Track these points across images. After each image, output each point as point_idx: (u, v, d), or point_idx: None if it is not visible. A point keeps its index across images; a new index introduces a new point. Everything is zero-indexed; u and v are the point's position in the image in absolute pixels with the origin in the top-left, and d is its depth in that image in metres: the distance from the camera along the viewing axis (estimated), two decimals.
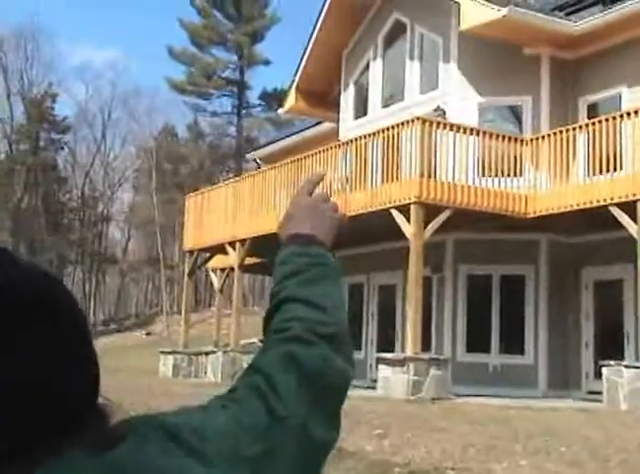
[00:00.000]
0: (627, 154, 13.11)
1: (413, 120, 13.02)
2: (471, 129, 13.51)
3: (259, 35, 51.68)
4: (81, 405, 0.89)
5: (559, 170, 13.64)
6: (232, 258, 17.64)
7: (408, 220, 12.75)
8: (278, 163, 18.56)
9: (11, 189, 52.01)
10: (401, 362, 12.14)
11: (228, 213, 17.84)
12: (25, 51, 54.58)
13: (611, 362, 11.53)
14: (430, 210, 12.67)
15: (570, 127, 13.99)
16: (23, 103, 54.75)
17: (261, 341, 1.10)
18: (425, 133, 12.77)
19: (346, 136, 18.53)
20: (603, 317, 15.17)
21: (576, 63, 15.52)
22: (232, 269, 18.23)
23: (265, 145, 25.43)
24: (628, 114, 13.03)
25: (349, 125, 18.89)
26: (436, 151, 12.96)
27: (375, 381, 13.22)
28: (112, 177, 57.69)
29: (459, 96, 15.88)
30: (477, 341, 15.36)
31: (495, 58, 15.73)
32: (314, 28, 19.08)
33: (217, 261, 19.97)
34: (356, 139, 14.73)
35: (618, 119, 12.77)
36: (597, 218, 13.34)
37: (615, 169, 13.29)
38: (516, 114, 15.76)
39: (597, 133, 13.28)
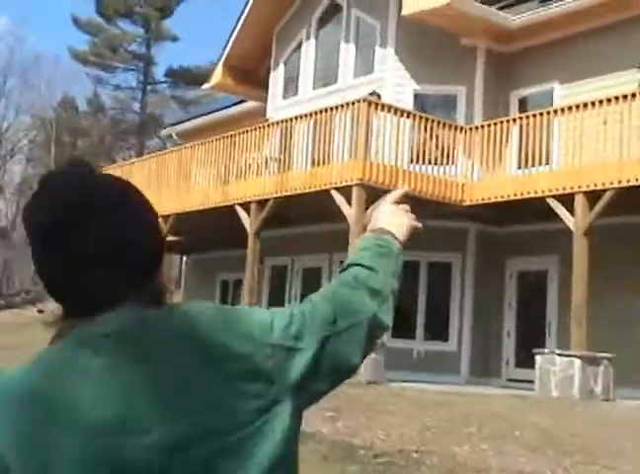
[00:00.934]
0: (558, 148, 13.42)
1: (358, 101, 12.89)
2: (413, 114, 13.49)
3: (167, 9, 50.48)
4: (152, 266, 1.21)
5: (495, 160, 13.80)
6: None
7: (349, 202, 12.64)
8: (204, 139, 18.15)
9: None
10: None
11: (152, 190, 17.29)
12: None
13: (545, 350, 11.76)
14: (371, 193, 12.59)
15: (504, 119, 14.19)
16: None
17: None
18: (369, 115, 12.66)
19: (273, 116, 18.30)
20: (527, 307, 15.51)
21: (511, 57, 15.75)
22: None
23: (183, 121, 24.80)
24: (562, 110, 13.31)
25: (277, 105, 18.63)
26: (377, 134, 12.88)
27: None
28: (4, 147, 55.25)
29: (395, 82, 15.87)
30: (403, 327, 15.42)
31: (432, 46, 15.78)
32: (246, 3, 18.69)
33: None
34: (294, 118, 14.49)
35: (552, 115, 13.01)
36: (531, 210, 13.60)
37: (547, 162, 13.59)
38: (450, 103, 15.85)
39: (529, 127, 13.50)
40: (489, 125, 14.15)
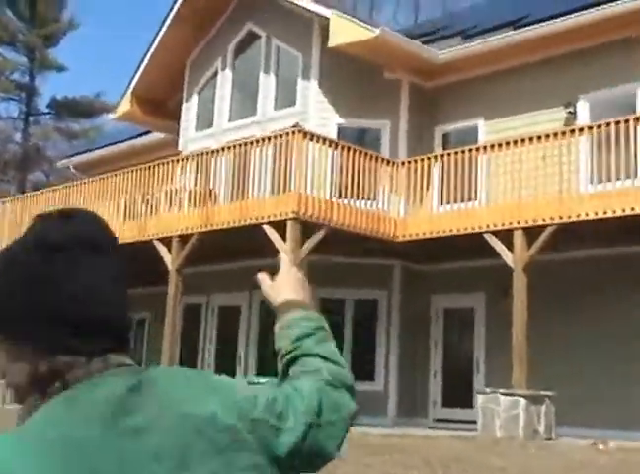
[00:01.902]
0: (488, 185, 13.36)
1: (293, 132, 12.42)
2: (347, 147, 13.10)
3: (53, 38, 48.82)
4: (127, 327, 1.31)
5: (423, 195, 13.59)
6: None
7: (283, 237, 12.08)
8: (104, 172, 17.36)
9: None
10: None
11: None
12: None
13: (487, 390, 11.48)
14: (306, 228, 12.10)
15: (438, 154, 14.07)
16: None
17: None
18: (303, 146, 12.20)
19: (186, 148, 17.63)
20: (453, 345, 15.29)
21: (435, 92, 15.69)
22: None
23: (80, 153, 23.66)
24: (484, 147, 13.29)
25: (190, 137, 17.93)
26: (312, 166, 12.43)
27: None
28: None
29: (319, 115, 15.50)
30: None
31: (356, 80, 15.54)
32: (158, 32, 17.98)
33: None
34: (220, 150, 13.87)
35: (488, 150, 12.95)
36: (461, 246, 13.42)
37: (476, 198, 13.50)
38: (375, 137, 15.60)
39: (463, 162, 13.39)
40: (422, 160, 13.95)
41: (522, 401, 11.02)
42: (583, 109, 13.79)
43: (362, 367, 15.01)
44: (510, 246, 11.99)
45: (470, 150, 13.44)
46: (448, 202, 13.55)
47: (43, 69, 48.88)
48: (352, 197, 13.16)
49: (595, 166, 12.13)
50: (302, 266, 12.16)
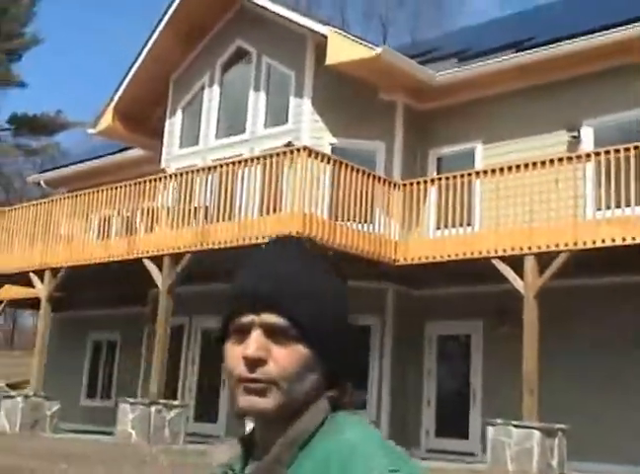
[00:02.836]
0: (482, 210, 13.11)
1: (299, 150, 11.98)
2: (351, 166, 12.69)
3: (14, 54, 47.79)
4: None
5: (426, 219, 13.24)
6: (38, 289, 15.30)
7: None
8: (78, 188, 16.83)
9: None
10: None
11: (37, 240, 15.54)
12: None
13: (498, 421, 11.06)
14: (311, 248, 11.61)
15: (436, 177, 13.74)
16: None
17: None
18: (311, 164, 11.76)
19: (169, 165, 17.09)
20: (448, 373, 14.89)
21: (430, 114, 15.38)
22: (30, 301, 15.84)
23: (52, 169, 22.91)
24: (485, 172, 13.02)
25: (174, 154, 17.37)
26: (312, 185, 11.98)
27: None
28: None
29: (311, 134, 15.07)
30: None
31: (350, 99, 15.17)
32: (144, 46, 17.45)
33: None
34: (231, 163, 13.35)
35: (497, 173, 12.62)
36: (462, 271, 13.07)
37: (470, 224, 13.22)
38: (369, 158, 15.22)
39: (456, 187, 13.09)
40: (419, 183, 13.61)
41: (537, 433, 10.62)
42: (587, 134, 13.60)
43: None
44: (518, 272, 11.65)
45: (470, 174, 13.17)
46: (446, 227, 13.23)
47: (4, 85, 47.80)
48: (352, 218, 12.75)
49: (603, 192, 11.87)
50: None
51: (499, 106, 14.52)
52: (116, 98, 17.83)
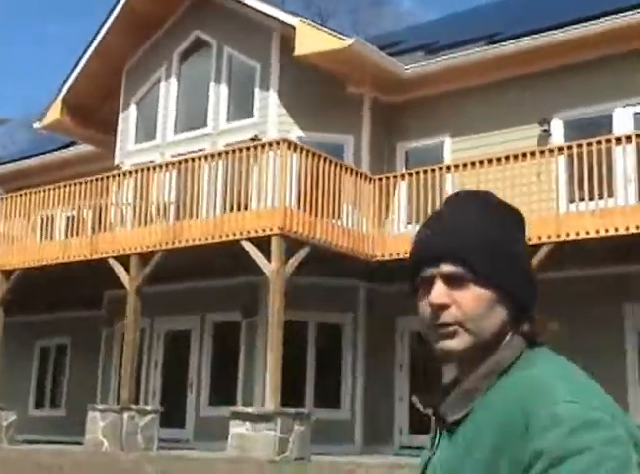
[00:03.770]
0: None
1: (277, 142, 11.58)
2: (329, 160, 12.35)
3: None
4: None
5: (414, 212, 13.02)
6: None
7: (266, 255, 11.19)
8: (24, 185, 16.15)
9: None
10: (267, 417, 10.44)
11: None
12: None
13: None
14: (291, 245, 11.27)
15: (413, 170, 13.52)
16: None
17: None
18: (290, 158, 11.39)
19: (124, 161, 16.48)
20: (420, 369, 14.69)
21: (399, 107, 15.17)
22: None
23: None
24: (457, 166, 12.89)
25: (128, 149, 16.73)
26: (296, 179, 11.62)
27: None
28: None
29: (278, 128, 14.67)
30: (291, 393, 13.99)
31: (318, 92, 14.84)
32: (94, 37, 16.75)
33: None
34: (195, 159, 12.84)
35: (479, 166, 12.47)
36: None
37: None
38: (337, 152, 14.90)
39: (427, 181, 12.93)
40: (402, 176, 13.37)
41: None
42: (557, 127, 13.57)
43: (327, 394, 14.22)
44: None
45: (441, 168, 13.02)
46: (417, 222, 13.02)
47: None
48: (332, 214, 12.42)
49: (575, 185, 11.87)
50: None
51: (468, 99, 14.39)
52: (64, 91, 17.08)
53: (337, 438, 13.69)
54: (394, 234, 13.31)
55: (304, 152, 11.73)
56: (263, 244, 11.19)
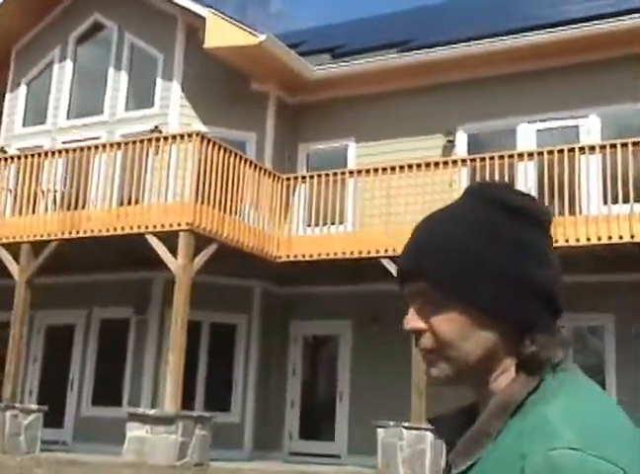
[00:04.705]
0: (349, 208, 13.02)
1: (190, 135, 11.16)
2: (245, 158, 12.02)
3: None
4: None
5: (314, 215, 12.86)
6: None
7: (171, 251, 10.76)
8: None
9: None
10: (168, 420, 9.98)
11: None
12: None
13: (390, 423, 10.85)
14: (199, 241, 10.89)
15: (315, 173, 13.38)
16: None
17: None
18: (203, 151, 11.00)
19: (9, 144, 15.58)
20: (314, 374, 14.57)
21: (303, 108, 15.01)
22: None
23: None
24: (359, 171, 12.91)
25: (15, 133, 15.79)
26: (209, 175, 11.23)
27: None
28: None
29: (180, 121, 14.22)
30: (182, 395, 13.53)
31: (223, 86, 14.48)
32: None
33: None
34: (93, 147, 12.19)
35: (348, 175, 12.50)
36: (336, 270, 12.83)
37: (342, 222, 13.03)
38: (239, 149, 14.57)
39: (328, 184, 12.88)
40: (311, 177, 13.21)
41: (429, 435, 10.52)
42: (461, 139, 13.78)
43: (219, 397, 13.85)
44: None
45: (343, 173, 13.01)
46: (325, 224, 12.92)
47: None
48: (239, 212, 12.11)
49: None
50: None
51: (375, 105, 14.40)
52: None
53: (226, 443, 13.33)
54: (293, 236, 13.13)
55: (217, 147, 11.35)
56: (168, 239, 10.75)
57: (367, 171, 12.69)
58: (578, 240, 10.95)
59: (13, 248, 11.90)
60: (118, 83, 15.01)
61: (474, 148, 13.48)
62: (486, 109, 13.56)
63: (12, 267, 11.81)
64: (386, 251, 11.65)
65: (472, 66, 13.60)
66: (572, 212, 11.35)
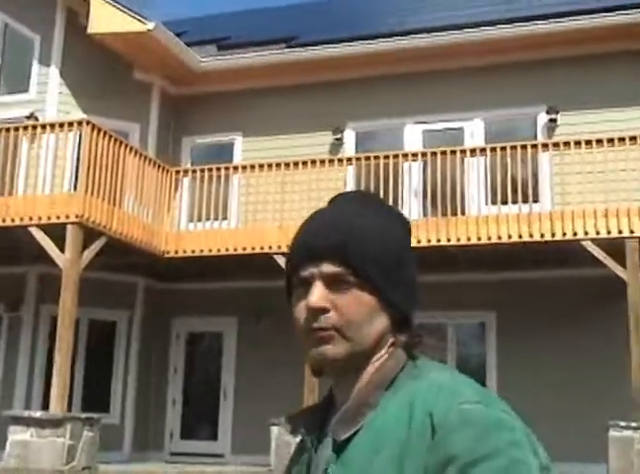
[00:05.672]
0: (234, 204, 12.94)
1: (80, 123, 10.62)
2: (135, 150, 11.56)
3: None
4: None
5: (197, 210, 12.56)
6: None
7: (58, 244, 10.22)
8: None
9: None
10: (56, 423, 9.45)
11: None
12: None
13: (283, 420, 10.73)
14: (87, 235, 10.40)
15: (209, 167, 13.08)
16: None
17: None
18: (94, 140, 10.50)
19: None
20: (197, 372, 14.25)
21: (188, 101, 14.64)
22: None
23: None
24: (244, 167, 12.77)
25: None
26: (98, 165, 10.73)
27: None
28: None
29: (58, 108, 13.56)
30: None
31: (105, 74, 13.91)
32: None
33: None
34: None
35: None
36: (225, 266, 12.63)
37: (225, 217, 12.87)
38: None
39: (213, 178, 12.68)
40: (202, 171, 12.89)
41: None
42: (349, 137, 13.84)
43: (97, 397, 13.30)
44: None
45: (227, 168, 12.82)
46: (208, 219, 12.67)
47: None
48: (131, 206, 11.65)
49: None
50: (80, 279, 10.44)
51: (263, 99, 14.23)
52: None
53: (105, 445, 12.82)
54: (182, 231, 12.79)
55: (106, 136, 10.87)
56: (54, 232, 10.20)
57: (253, 167, 12.49)
58: (459, 239, 11.21)
59: None
60: None
61: (362, 146, 13.59)
62: (373, 108, 13.67)
63: None
64: (279, 247, 11.53)
65: (358, 65, 13.66)
66: (454, 213, 11.57)
